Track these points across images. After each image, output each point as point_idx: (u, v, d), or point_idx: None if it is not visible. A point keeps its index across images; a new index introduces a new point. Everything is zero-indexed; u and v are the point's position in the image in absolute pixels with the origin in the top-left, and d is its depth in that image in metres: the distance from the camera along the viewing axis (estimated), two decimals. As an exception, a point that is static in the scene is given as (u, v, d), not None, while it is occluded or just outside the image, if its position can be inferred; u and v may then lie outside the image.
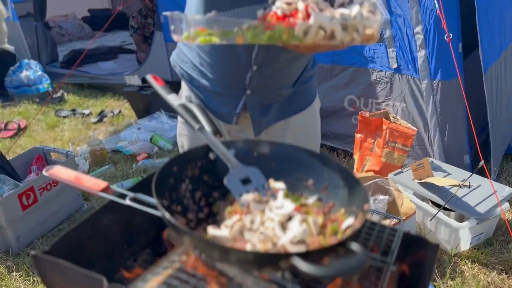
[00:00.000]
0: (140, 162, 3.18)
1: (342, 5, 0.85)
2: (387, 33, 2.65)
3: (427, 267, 0.77)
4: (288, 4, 0.84)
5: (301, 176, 0.84)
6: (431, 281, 1.50)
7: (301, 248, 0.64)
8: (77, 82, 4.94)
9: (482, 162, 1.89)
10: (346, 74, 2.94)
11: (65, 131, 3.89)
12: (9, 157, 2.76)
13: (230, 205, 0.78)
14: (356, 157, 2.84)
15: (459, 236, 2.13)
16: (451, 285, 2.00)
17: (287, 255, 0.59)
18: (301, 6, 0.82)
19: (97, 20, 6.78)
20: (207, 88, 1.29)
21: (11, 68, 4.77)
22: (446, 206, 2.15)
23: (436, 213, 2.14)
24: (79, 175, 0.81)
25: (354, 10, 0.81)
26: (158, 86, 0.92)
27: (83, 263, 0.72)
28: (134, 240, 0.92)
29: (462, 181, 2.27)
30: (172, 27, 0.83)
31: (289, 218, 0.70)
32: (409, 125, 2.67)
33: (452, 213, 2.22)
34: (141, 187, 0.81)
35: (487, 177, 2.21)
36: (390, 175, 2.47)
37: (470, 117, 2.09)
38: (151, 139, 3.47)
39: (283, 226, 0.69)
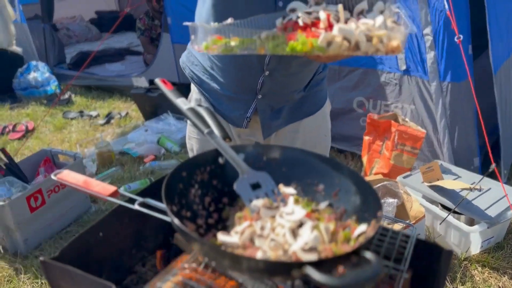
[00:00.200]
0: (147, 164, 3.19)
1: (361, 13, 0.83)
2: (396, 34, 2.62)
3: (441, 274, 0.76)
4: (308, 13, 0.81)
5: (311, 181, 0.83)
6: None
7: (313, 256, 0.63)
8: (84, 84, 4.96)
9: (493, 166, 1.86)
10: (355, 76, 2.92)
11: (72, 133, 3.90)
12: (17, 159, 2.77)
13: (240, 211, 0.77)
14: (364, 159, 2.82)
15: (469, 240, 2.10)
16: (461, 290, 1.98)
17: (299, 264, 0.58)
18: (322, 15, 0.80)
19: (104, 22, 6.79)
20: (217, 92, 1.28)
21: (19, 69, 4.79)
22: (456, 209, 2.12)
23: (446, 217, 2.12)
24: (88, 180, 0.81)
25: (378, 20, 0.78)
26: (167, 90, 0.92)
27: (92, 269, 0.71)
28: (143, 245, 0.92)
29: (472, 184, 2.25)
30: (192, 37, 0.82)
31: (300, 224, 0.69)
32: (418, 127, 2.64)
33: (462, 217, 2.19)
34: (150, 191, 0.81)
35: (497, 180, 2.18)
36: (399, 178, 2.45)
37: (481, 119, 2.06)
38: (158, 141, 3.47)
39: (294, 232, 0.68)
